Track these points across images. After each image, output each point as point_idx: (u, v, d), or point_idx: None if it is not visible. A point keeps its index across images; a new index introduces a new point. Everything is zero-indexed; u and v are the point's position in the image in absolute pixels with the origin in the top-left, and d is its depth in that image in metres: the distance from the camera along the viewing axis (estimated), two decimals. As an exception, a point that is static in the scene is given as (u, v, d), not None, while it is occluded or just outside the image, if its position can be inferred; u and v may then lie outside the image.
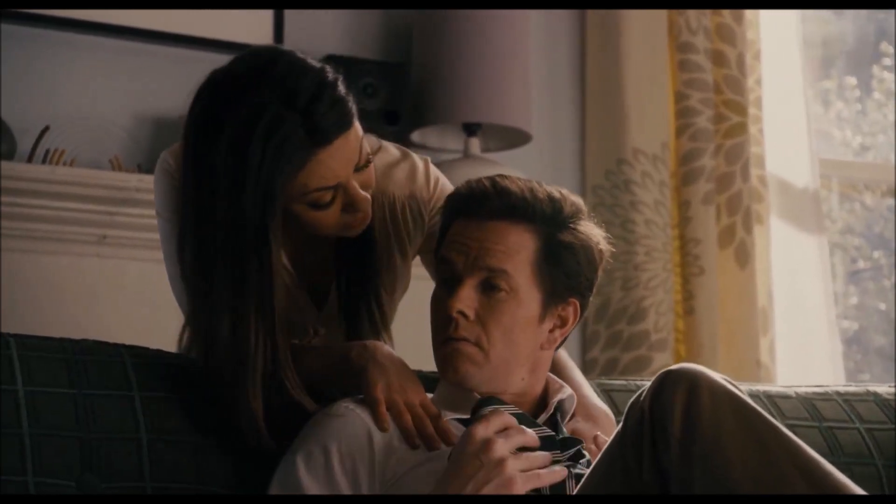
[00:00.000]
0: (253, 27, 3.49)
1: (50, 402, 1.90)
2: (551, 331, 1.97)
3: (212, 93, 1.93)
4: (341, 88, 1.92)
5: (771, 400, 2.39)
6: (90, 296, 3.19)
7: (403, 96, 3.56)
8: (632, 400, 1.65)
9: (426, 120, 3.60)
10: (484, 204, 1.96)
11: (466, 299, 1.92)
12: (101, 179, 3.18)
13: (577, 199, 2.01)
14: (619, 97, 3.95)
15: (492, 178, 1.99)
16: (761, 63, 4.12)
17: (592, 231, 2.00)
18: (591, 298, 2.04)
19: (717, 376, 1.59)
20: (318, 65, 1.93)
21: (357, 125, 1.94)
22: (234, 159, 1.86)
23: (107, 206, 3.17)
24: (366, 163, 1.97)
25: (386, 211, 2.14)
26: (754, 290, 3.99)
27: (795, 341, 4.13)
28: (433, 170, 2.20)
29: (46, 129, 3.23)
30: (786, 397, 2.42)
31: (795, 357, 4.11)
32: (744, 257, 3.99)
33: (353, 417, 1.89)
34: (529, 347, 1.95)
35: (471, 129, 3.62)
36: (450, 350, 1.93)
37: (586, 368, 3.93)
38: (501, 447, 1.74)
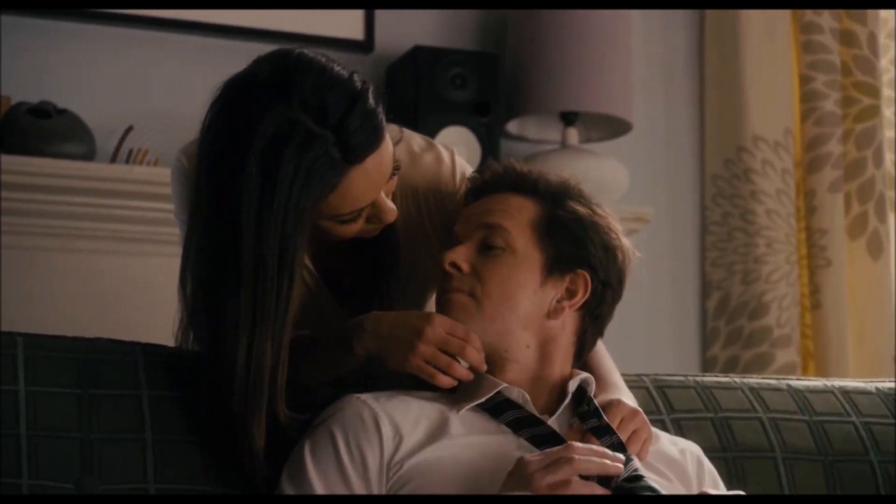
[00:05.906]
0: (343, 18, 3.46)
1: (52, 402, 1.85)
2: (559, 301, 1.90)
3: (234, 104, 1.79)
4: (371, 100, 1.79)
5: (847, 395, 2.27)
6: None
7: (495, 86, 3.45)
8: None
9: (522, 110, 3.50)
10: (492, 184, 1.97)
11: (461, 253, 1.90)
12: (184, 179, 3.16)
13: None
14: (738, 81, 3.82)
15: (502, 162, 2.00)
16: (897, 42, 3.95)
17: (613, 219, 1.96)
18: (620, 291, 1.95)
19: None
20: (345, 73, 1.79)
21: (387, 137, 1.82)
22: (263, 177, 1.73)
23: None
24: (395, 171, 1.87)
25: (409, 204, 2.03)
26: (889, 282, 3.83)
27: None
28: (459, 162, 2.08)
29: (130, 128, 3.23)
30: (864, 393, 2.29)
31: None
32: (877, 248, 3.81)
33: (359, 406, 1.83)
34: (530, 309, 1.88)
35: (569, 119, 3.51)
36: (441, 303, 1.91)
37: (706, 366, 3.81)
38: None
